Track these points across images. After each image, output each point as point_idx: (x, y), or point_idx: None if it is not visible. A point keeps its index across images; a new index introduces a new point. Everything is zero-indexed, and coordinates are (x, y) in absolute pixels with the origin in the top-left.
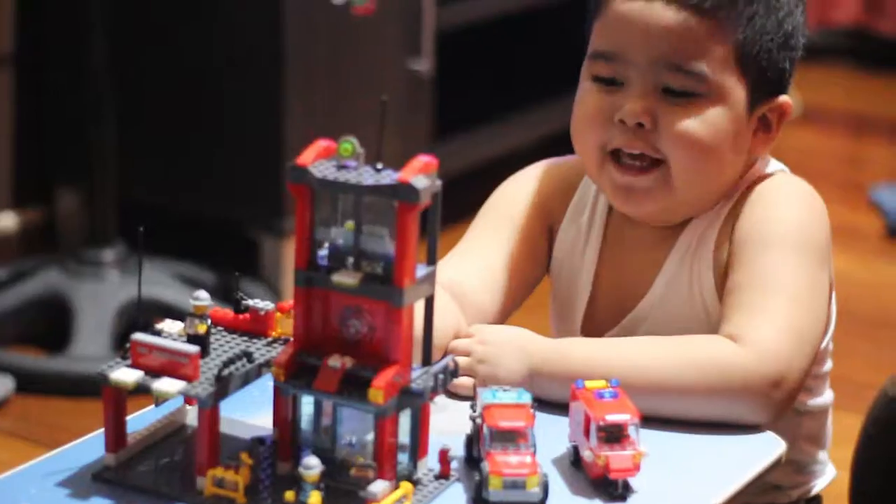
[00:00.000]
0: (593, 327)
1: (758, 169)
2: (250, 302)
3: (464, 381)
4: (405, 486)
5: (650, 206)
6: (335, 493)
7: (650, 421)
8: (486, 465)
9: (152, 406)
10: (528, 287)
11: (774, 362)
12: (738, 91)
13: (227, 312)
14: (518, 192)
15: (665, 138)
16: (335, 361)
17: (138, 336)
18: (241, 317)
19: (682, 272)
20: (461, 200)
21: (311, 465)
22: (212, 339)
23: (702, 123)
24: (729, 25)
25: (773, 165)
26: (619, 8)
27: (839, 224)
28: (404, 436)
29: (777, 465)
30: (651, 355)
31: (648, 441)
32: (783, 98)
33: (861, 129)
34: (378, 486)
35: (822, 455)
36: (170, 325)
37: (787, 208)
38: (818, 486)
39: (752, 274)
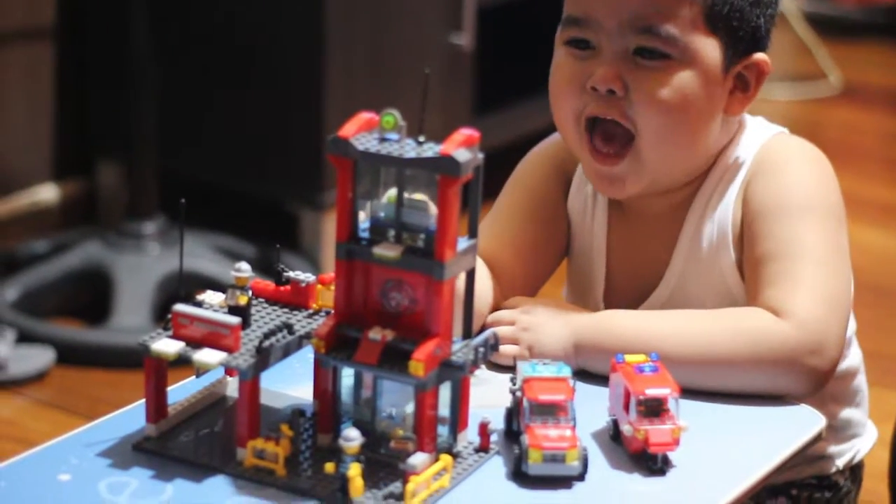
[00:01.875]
0: (612, 307)
1: (761, 133)
2: (291, 274)
3: (506, 350)
4: (445, 458)
5: (630, 190)
6: (375, 465)
7: (691, 393)
8: (525, 439)
9: (193, 377)
10: (557, 255)
11: (815, 331)
12: (710, 51)
13: (269, 284)
14: (536, 163)
15: (636, 104)
16: (376, 334)
17: (179, 307)
18: (282, 289)
19: (697, 247)
20: (503, 174)
21: (352, 437)
22: (253, 310)
23: (672, 87)
24: None
25: (773, 128)
26: None
27: (881, 200)
28: (444, 408)
29: (817, 439)
30: (694, 327)
31: (687, 416)
32: (759, 56)
33: None
34: (418, 459)
35: (857, 416)
36: (211, 297)
37: (798, 174)
38: (861, 450)
39: (776, 244)
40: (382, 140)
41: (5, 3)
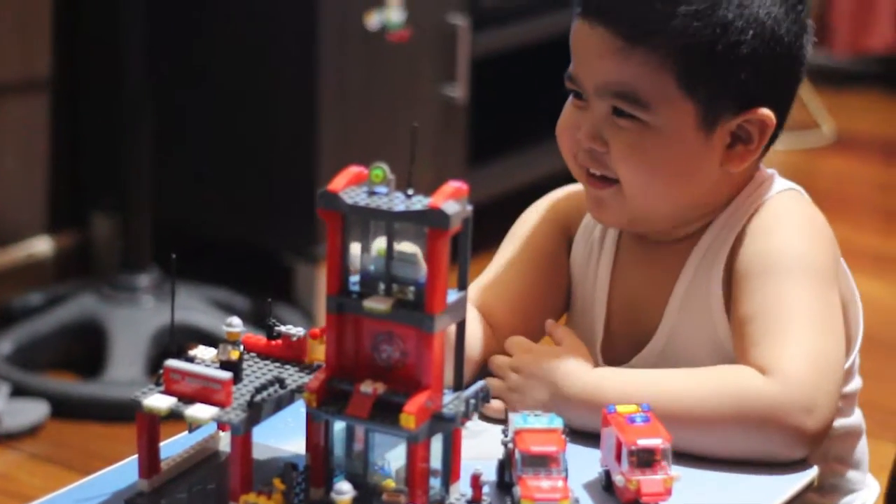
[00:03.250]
0: (609, 358)
1: (766, 187)
2: (283, 328)
3: (496, 405)
4: None
5: (614, 218)
6: None
7: (681, 457)
8: (517, 490)
9: (186, 432)
10: (556, 309)
11: (804, 390)
12: (685, 113)
13: (260, 339)
14: (537, 218)
15: (615, 160)
16: (367, 387)
17: (171, 363)
18: (273, 343)
19: (693, 296)
20: (495, 227)
21: (343, 491)
22: (245, 365)
23: (646, 148)
24: (666, 52)
25: (784, 184)
26: (575, 29)
27: (872, 250)
28: (436, 461)
29: (809, 488)
30: (679, 388)
31: (680, 466)
32: (762, 110)
33: (894, 155)
34: None
35: (857, 475)
36: (203, 352)
37: (786, 235)
38: (861, 502)
39: (762, 303)
40: (371, 193)
41: (0, 54)
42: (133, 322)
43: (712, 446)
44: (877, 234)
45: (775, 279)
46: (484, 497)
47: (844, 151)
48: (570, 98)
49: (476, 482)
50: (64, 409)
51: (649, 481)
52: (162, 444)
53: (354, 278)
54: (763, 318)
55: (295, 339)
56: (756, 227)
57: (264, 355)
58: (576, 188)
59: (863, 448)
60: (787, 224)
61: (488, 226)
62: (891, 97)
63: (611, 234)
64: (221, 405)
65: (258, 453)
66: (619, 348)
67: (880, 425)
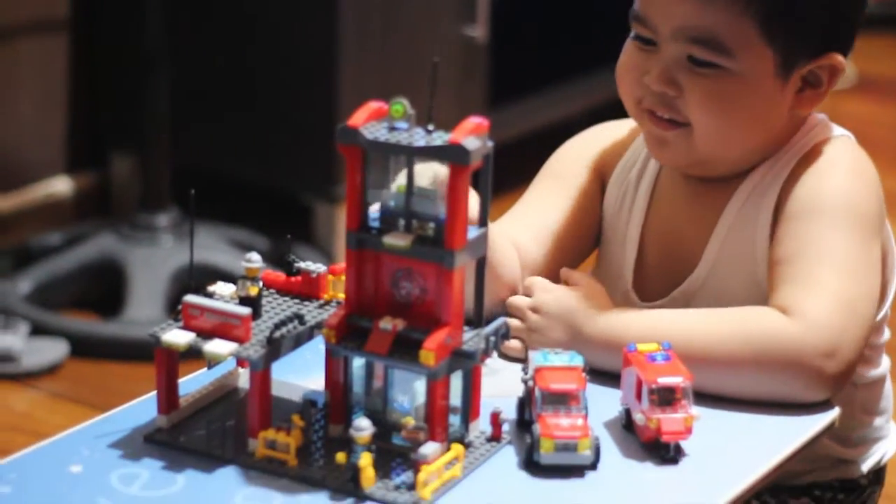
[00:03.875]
0: (643, 293)
1: (818, 132)
2: (302, 265)
3: (514, 344)
4: (456, 447)
5: (679, 159)
6: (387, 455)
7: (702, 397)
8: (537, 428)
9: (205, 369)
10: (585, 247)
11: (827, 334)
12: (764, 59)
13: (280, 275)
14: (573, 153)
15: (689, 106)
16: (386, 323)
17: (190, 298)
18: (293, 279)
19: (736, 234)
20: (516, 167)
21: (362, 427)
22: (264, 301)
23: (724, 95)
24: None
25: (836, 131)
26: None
27: (892, 191)
28: (456, 398)
29: (830, 428)
30: (701, 329)
31: (700, 404)
32: (833, 55)
33: None
34: (429, 448)
35: (880, 422)
36: (222, 288)
37: (837, 178)
38: (887, 453)
39: (800, 244)
40: (391, 129)
41: None
42: (152, 262)
43: (732, 387)
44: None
45: (816, 221)
46: (503, 435)
47: (866, 94)
48: (632, 39)
49: (496, 420)
50: (83, 348)
51: (669, 419)
52: (181, 380)
53: (374, 214)
54: (796, 259)
55: (314, 275)
56: (808, 169)
57: (284, 292)
58: (613, 127)
59: (888, 395)
60: (838, 169)
61: (509, 166)
62: None
63: (649, 173)
64: (240, 341)
65: (278, 390)
66: (654, 284)
67: None
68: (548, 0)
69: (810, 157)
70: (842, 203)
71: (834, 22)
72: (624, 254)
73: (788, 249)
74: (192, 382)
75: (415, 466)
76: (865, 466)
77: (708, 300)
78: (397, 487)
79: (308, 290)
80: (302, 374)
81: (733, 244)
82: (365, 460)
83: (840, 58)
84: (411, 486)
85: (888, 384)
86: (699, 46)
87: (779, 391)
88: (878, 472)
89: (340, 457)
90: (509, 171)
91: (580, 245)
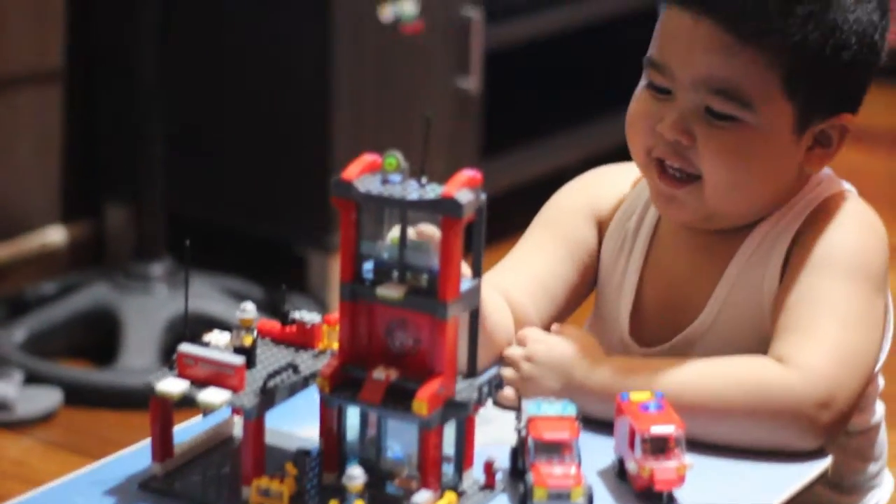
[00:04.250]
0: (640, 341)
1: (825, 188)
2: (297, 315)
3: (508, 394)
4: (449, 495)
5: (688, 215)
6: (381, 503)
7: (695, 445)
8: (530, 477)
9: (200, 417)
10: (579, 297)
11: (823, 383)
12: (783, 115)
13: (275, 325)
14: (569, 201)
15: (703, 157)
16: (380, 373)
17: (185, 347)
18: (288, 329)
19: (742, 286)
20: (509, 218)
21: (355, 476)
22: (259, 351)
23: (740, 149)
24: (777, 51)
25: (843, 185)
26: (670, 18)
27: (889, 243)
28: (450, 447)
29: (824, 476)
30: (694, 377)
31: (694, 453)
32: (847, 116)
33: None
34: (422, 497)
35: (875, 469)
36: (218, 337)
37: (845, 232)
38: (881, 500)
39: (802, 294)
40: (385, 182)
41: (15, 45)
42: (146, 311)
43: (726, 435)
44: (891, 228)
45: (823, 272)
46: (497, 484)
47: (856, 144)
48: (644, 87)
49: (489, 469)
50: (77, 396)
51: (663, 468)
52: (176, 428)
53: (368, 266)
54: (798, 307)
55: (309, 325)
56: (819, 224)
57: (278, 341)
58: (611, 172)
59: (882, 442)
60: (849, 224)
61: (501, 217)
62: None
63: (648, 221)
64: (234, 390)
65: (273, 438)
66: (652, 332)
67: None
68: (541, 51)
69: (821, 211)
70: (850, 256)
71: (850, 82)
72: (620, 301)
73: (791, 297)
74: (187, 431)
75: None
76: None
77: (709, 350)
78: None
79: (303, 339)
80: (297, 424)
81: (739, 296)
82: None
83: (851, 118)
84: None
85: (882, 432)
86: (719, 98)
87: (772, 439)
88: None
89: None
90: (502, 222)
91: (574, 296)
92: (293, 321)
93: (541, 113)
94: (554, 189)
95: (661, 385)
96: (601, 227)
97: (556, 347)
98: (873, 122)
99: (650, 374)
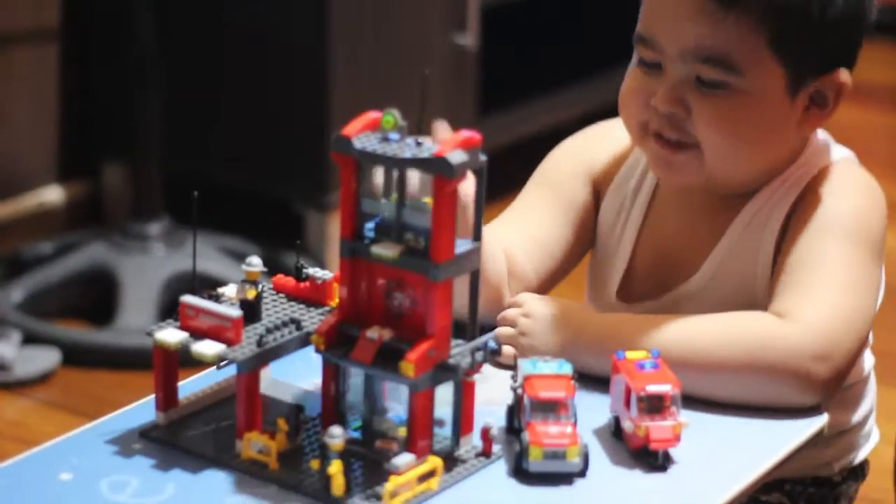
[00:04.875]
0: (628, 301)
1: (824, 152)
2: (310, 271)
3: (506, 351)
4: (433, 460)
5: (688, 180)
6: (371, 463)
7: (692, 401)
8: (526, 436)
9: (214, 369)
10: (574, 259)
11: (821, 338)
12: (774, 77)
13: (290, 280)
14: (567, 158)
15: (697, 126)
16: (373, 333)
17: (186, 298)
18: (302, 285)
19: (739, 250)
20: (506, 175)
21: (335, 435)
22: (269, 305)
23: (734, 114)
24: (760, 14)
25: (840, 151)
26: None
27: (890, 199)
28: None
29: (819, 435)
30: (694, 332)
31: (689, 411)
32: (839, 73)
33: None
34: (401, 459)
35: (860, 421)
36: (230, 290)
37: (846, 198)
38: (860, 454)
39: (802, 256)
40: (384, 139)
41: (10, 4)
42: (144, 270)
43: (724, 390)
44: (892, 184)
45: (821, 235)
46: (495, 451)
47: (858, 101)
48: (635, 63)
49: (486, 435)
50: (75, 356)
51: (658, 427)
52: (189, 380)
53: (371, 224)
54: (797, 269)
55: (321, 282)
56: (818, 191)
57: (292, 297)
58: (610, 130)
59: (868, 394)
60: (849, 190)
61: (498, 175)
62: None
63: (646, 185)
64: (230, 343)
65: (278, 392)
66: (641, 293)
67: (890, 372)
68: (538, 7)
69: (819, 179)
70: (850, 221)
71: (840, 39)
72: (615, 262)
73: (791, 258)
74: (202, 381)
75: (387, 477)
76: (838, 466)
77: (698, 309)
78: (368, 497)
79: (316, 296)
80: (311, 377)
81: (733, 262)
82: (335, 468)
83: (846, 75)
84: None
85: (871, 385)
86: (709, 66)
87: (770, 394)
88: (854, 469)
89: (314, 463)
90: (500, 179)
91: (570, 255)
92: (307, 277)
93: (539, 69)
94: (552, 146)
95: (659, 339)
96: (599, 188)
97: (554, 304)
98: (873, 78)
99: (648, 328)
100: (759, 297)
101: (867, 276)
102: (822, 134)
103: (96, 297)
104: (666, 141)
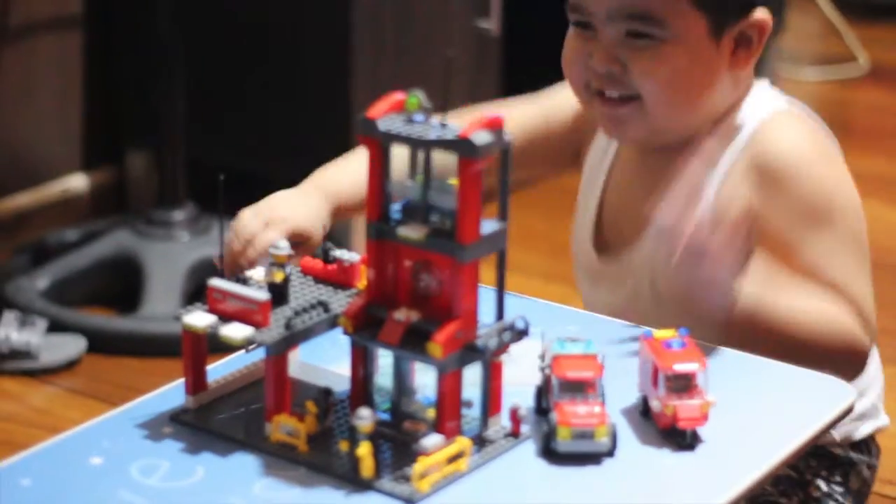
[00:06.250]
0: (602, 250)
1: (762, 101)
2: (337, 253)
3: None
4: (462, 441)
5: (634, 133)
6: (400, 444)
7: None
8: (554, 416)
9: (242, 351)
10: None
11: (873, 330)
12: (696, 25)
13: (317, 263)
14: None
15: (635, 80)
16: (401, 314)
17: (214, 281)
18: (329, 268)
19: (686, 197)
20: None
21: (363, 416)
22: (297, 288)
23: (667, 65)
24: None
25: (778, 100)
26: None
27: None
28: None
29: (848, 412)
30: (792, 302)
31: (716, 390)
32: (757, 14)
33: None
34: (430, 441)
35: (865, 399)
36: (259, 273)
37: (808, 177)
38: (863, 429)
39: (822, 255)
40: (408, 121)
41: None
42: (168, 257)
43: (796, 356)
44: None
45: (819, 229)
46: (523, 432)
47: (879, 83)
48: (572, 30)
49: (514, 416)
50: (100, 343)
51: (686, 406)
52: (222, 361)
53: (397, 206)
54: (816, 271)
55: (348, 264)
56: (772, 172)
57: (320, 280)
58: None
59: (873, 372)
60: (807, 164)
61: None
62: None
63: (612, 146)
64: (259, 325)
65: (310, 376)
66: (612, 244)
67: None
68: None
69: (769, 145)
70: (830, 202)
71: None
72: (586, 217)
73: (811, 262)
74: (231, 364)
75: (415, 458)
76: (838, 434)
77: (654, 264)
78: (398, 478)
79: (343, 278)
80: (339, 359)
81: (683, 209)
82: (364, 449)
83: (766, 14)
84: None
85: (873, 368)
86: (635, 22)
87: (828, 369)
88: (858, 445)
89: (344, 444)
90: None
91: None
92: (334, 259)
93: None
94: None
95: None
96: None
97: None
98: (893, 59)
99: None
100: (708, 242)
101: (862, 243)
102: (762, 84)
103: (121, 284)
104: (608, 98)
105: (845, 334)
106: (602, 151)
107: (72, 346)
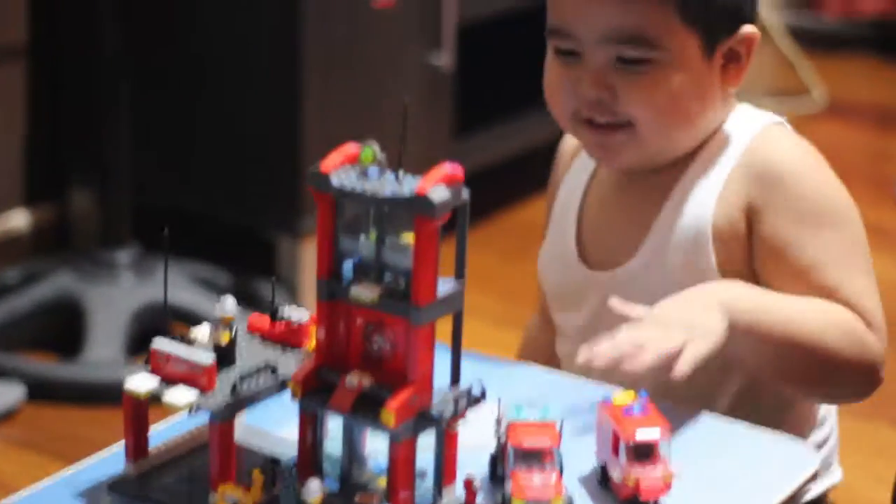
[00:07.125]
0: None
1: (749, 117)
2: (285, 312)
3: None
4: None
5: (627, 160)
6: None
7: (681, 450)
8: (508, 486)
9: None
10: None
11: (884, 341)
12: (690, 44)
13: (265, 320)
14: (559, 160)
15: (627, 106)
16: (353, 379)
17: (158, 344)
18: (277, 326)
19: (680, 220)
20: (483, 197)
21: (313, 490)
22: (244, 348)
23: (661, 87)
24: None
25: (762, 118)
26: None
27: (867, 221)
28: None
29: (811, 480)
30: (809, 313)
31: (678, 457)
32: (746, 29)
33: (886, 122)
34: None
35: (820, 452)
36: (202, 332)
37: (811, 180)
38: (815, 489)
39: (825, 253)
40: (362, 174)
41: None
42: (112, 300)
43: (809, 370)
44: (869, 205)
45: (823, 228)
46: (478, 503)
47: (835, 118)
48: (552, 56)
49: (469, 486)
50: (40, 391)
51: (648, 478)
52: (164, 426)
53: (349, 263)
54: (823, 274)
55: (296, 324)
56: (770, 175)
57: (266, 339)
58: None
59: (827, 425)
60: (805, 167)
61: (475, 196)
62: (883, 62)
63: (589, 166)
64: (204, 390)
65: (258, 440)
66: (598, 263)
67: (886, 407)
68: (514, 27)
69: (763, 152)
70: (831, 202)
71: (738, 1)
72: (564, 240)
73: (811, 259)
74: (174, 428)
75: None
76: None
77: (649, 284)
78: None
79: (291, 338)
80: (286, 422)
81: (678, 232)
82: None
83: (753, 29)
84: None
85: (826, 409)
86: (627, 46)
87: (840, 388)
88: None
89: None
90: (476, 201)
91: None
92: (281, 318)
93: (515, 89)
94: (529, 167)
95: (777, 317)
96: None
97: (673, 304)
98: (855, 96)
99: (764, 304)
100: (705, 273)
101: (865, 244)
102: (745, 106)
103: (62, 328)
104: (598, 125)
105: (862, 345)
106: (578, 172)
107: (9, 394)
